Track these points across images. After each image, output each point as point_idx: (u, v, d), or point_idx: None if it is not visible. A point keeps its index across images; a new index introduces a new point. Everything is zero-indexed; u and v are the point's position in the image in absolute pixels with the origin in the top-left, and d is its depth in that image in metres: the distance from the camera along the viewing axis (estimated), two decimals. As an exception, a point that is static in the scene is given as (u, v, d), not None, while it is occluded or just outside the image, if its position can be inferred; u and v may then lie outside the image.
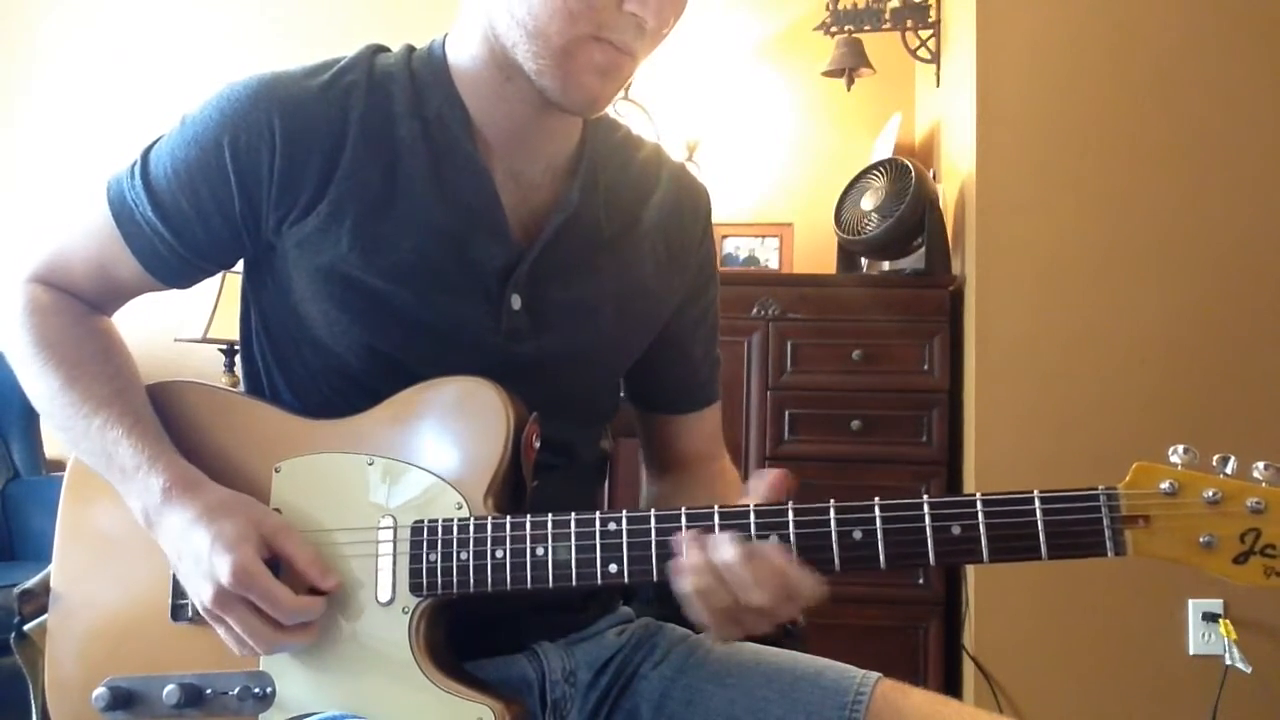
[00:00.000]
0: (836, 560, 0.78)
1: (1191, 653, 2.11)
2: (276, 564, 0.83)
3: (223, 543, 0.81)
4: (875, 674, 0.91)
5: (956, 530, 0.76)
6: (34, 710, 0.93)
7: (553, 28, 0.82)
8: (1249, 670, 2.03)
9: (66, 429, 0.91)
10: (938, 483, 2.28)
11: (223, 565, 0.80)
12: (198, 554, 0.82)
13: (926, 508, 0.76)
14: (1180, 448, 0.74)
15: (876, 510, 0.77)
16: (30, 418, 2.75)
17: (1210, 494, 0.72)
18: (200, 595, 0.82)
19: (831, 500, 0.78)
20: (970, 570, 2.23)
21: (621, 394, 1.10)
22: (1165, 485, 0.73)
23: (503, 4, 0.85)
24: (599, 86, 0.85)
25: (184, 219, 0.91)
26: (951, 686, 2.25)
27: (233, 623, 0.81)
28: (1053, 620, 2.14)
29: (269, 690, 0.85)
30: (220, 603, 0.81)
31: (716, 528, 0.79)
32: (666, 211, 1.01)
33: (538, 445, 0.88)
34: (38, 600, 0.95)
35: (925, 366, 2.32)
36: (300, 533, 0.85)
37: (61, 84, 3.31)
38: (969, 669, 2.19)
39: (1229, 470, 0.73)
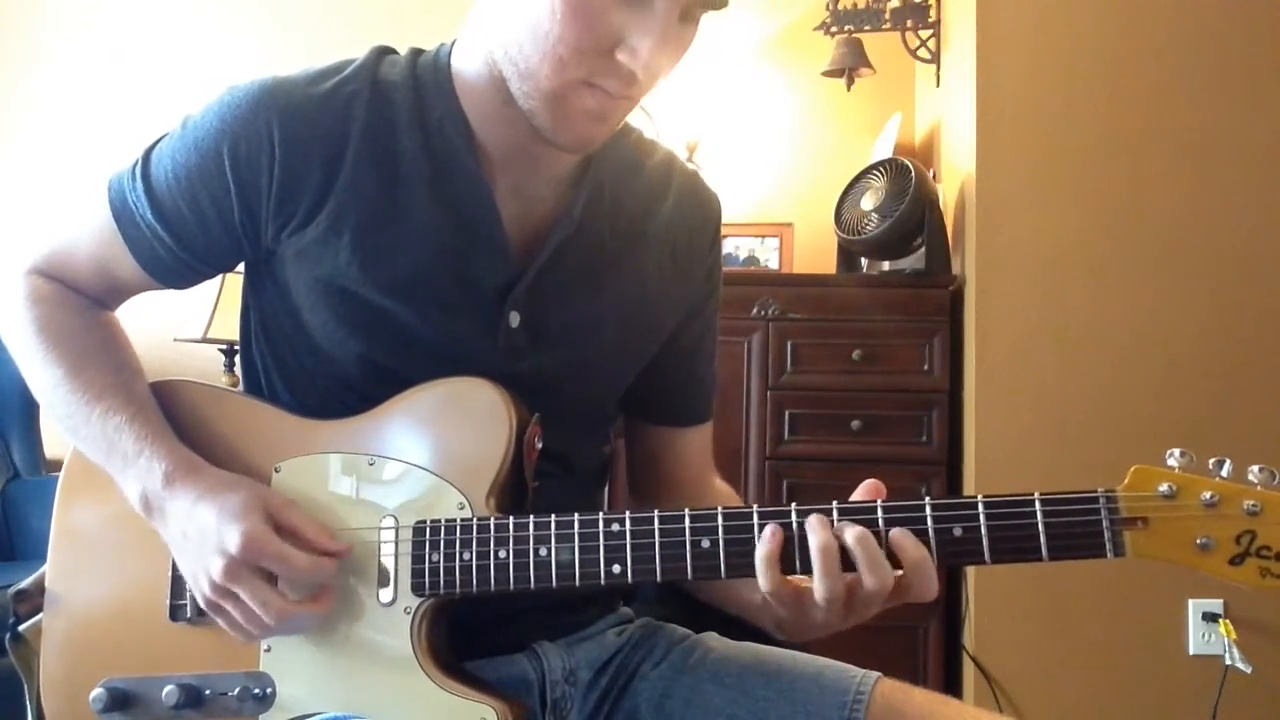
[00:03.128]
0: (840, 562, 0.78)
1: (1191, 653, 2.11)
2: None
3: (230, 512, 0.81)
4: (875, 674, 0.91)
5: (958, 531, 0.76)
6: (29, 712, 0.93)
7: (543, 72, 0.80)
8: (1249, 670, 2.02)
9: (67, 418, 0.91)
10: (938, 483, 2.28)
11: (232, 534, 0.80)
12: (204, 529, 0.82)
13: (929, 509, 0.77)
14: (1177, 451, 0.75)
15: (879, 512, 0.78)
16: (30, 418, 2.75)
17: (1207, 497, 0.74)
18: (209, 571, 0.81)
19: (834, 502, 0.79)
20: (970, 570, 2.23)
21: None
22: (1163, 488, 0.74)
23: (497, 37, 0.83)
24: (591, 129, 0.83)
25: (184, 223, 0.90)
26: (951, 686, 2.25)
27: (244, 595, 0.81)
28: (1053, 620, 2.14)
29: (269, 691, 0.85)
30: (230, 575, 0.80)
31: (720, 529, 0.79)
32: (675, 223, 1.00)
33: (540, 446, 0.88)
34: (32, 600, 0.94)
35: (925, 366, 2.32)
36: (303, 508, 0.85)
37: (63, 79, 3.30)
38: (969, 669, 2.19)
39: (1225, 473, 0.74)
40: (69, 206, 0.95)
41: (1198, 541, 0.74)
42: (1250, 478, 0.74)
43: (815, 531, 0.77)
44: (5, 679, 0.97)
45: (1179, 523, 0.74)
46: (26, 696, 0.93)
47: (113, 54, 3.28)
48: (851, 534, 0.77)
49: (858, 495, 0.81)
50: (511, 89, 0.84)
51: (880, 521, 0.78)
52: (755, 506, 0.80)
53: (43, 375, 0.92)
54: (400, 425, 0.88)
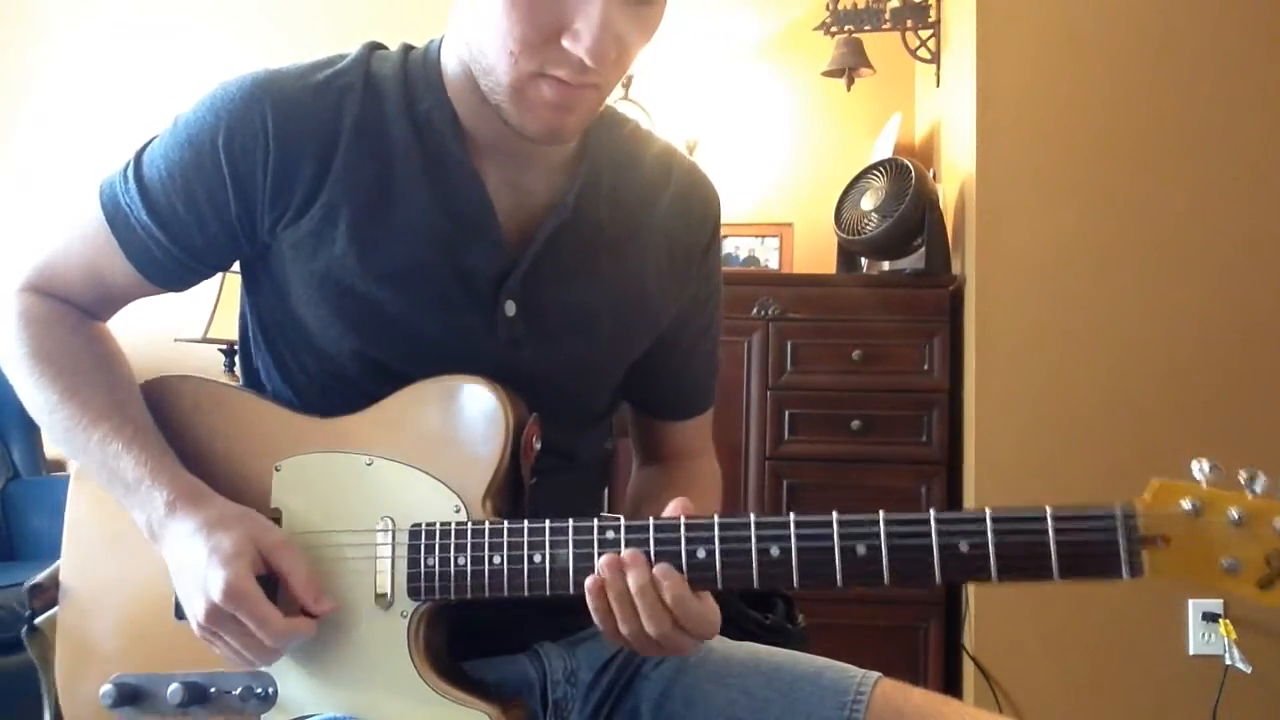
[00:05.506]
0: (839, 576, 0.75)
1: (1191, 653, 2.11)
2: (274, 580, 0.83)
3: (218, 557, 0.80)
4: (875, 674, 0.91)
5: (964, 548, 0.73)
6: (46, 704, 0.94)
7: (500, 67, 0.80)
8: (1249, 670, 2.03)
9: (67, 442, 0.91)
10: (938, 483, 2.28)
11: (215, 581, 0.79)
12: (195, 567, 0.81)
13: (933, 524, 0.73)
14: (1206, 463, 0.70)
15: (881, 525, 0.74)
16: (30, 418, 2.75)
17: (1234, 514, 0.68)
18: (193, 610, 0.82)
19: (834, 513, 0.76)
20: (970, 570, 2.22)
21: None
22: (1187, 505, 0.69)
23: (464, 36, 0.84)
24: (556, 120, 0.82)
25: (179, 222, 0.90)
26: (951, 686, 2.25)
27: (226, 638, 0.81)
28: (1053, 620, 2.14)
29: (271, 691, 0.85)
30: (212, 618, 0.81)
31: (716, 539, 0.77)
32: (674, 215, 0.99)
33: (538, 446, 0.88)
34: (48, 593, 0.95)
35: (925, 366, 2.32)
36: (299, 549, 0.84)
37: (59, 86, 3.30)
38: (969, 669, 2.19)
39: (1258, 489, 0.69)
40: (58, 216, 0.94)
41: (1223, 563, 0.68)
42: None
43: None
44: (22, 673, 0.98)
45: (1203, 542, 0.69)
46: (44, 688, 0.94)
47: (109, 62, 3.28)
48: (634, 583, 0.77)
49: (668, 513, 0.80)
50: (480, 85, 0.84)
51: (753, 541, 0.76)
52: (753, 516, 0.78)
53: (38, 398, 0.91)
54: (399, 425, 0.88)
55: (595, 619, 0.79)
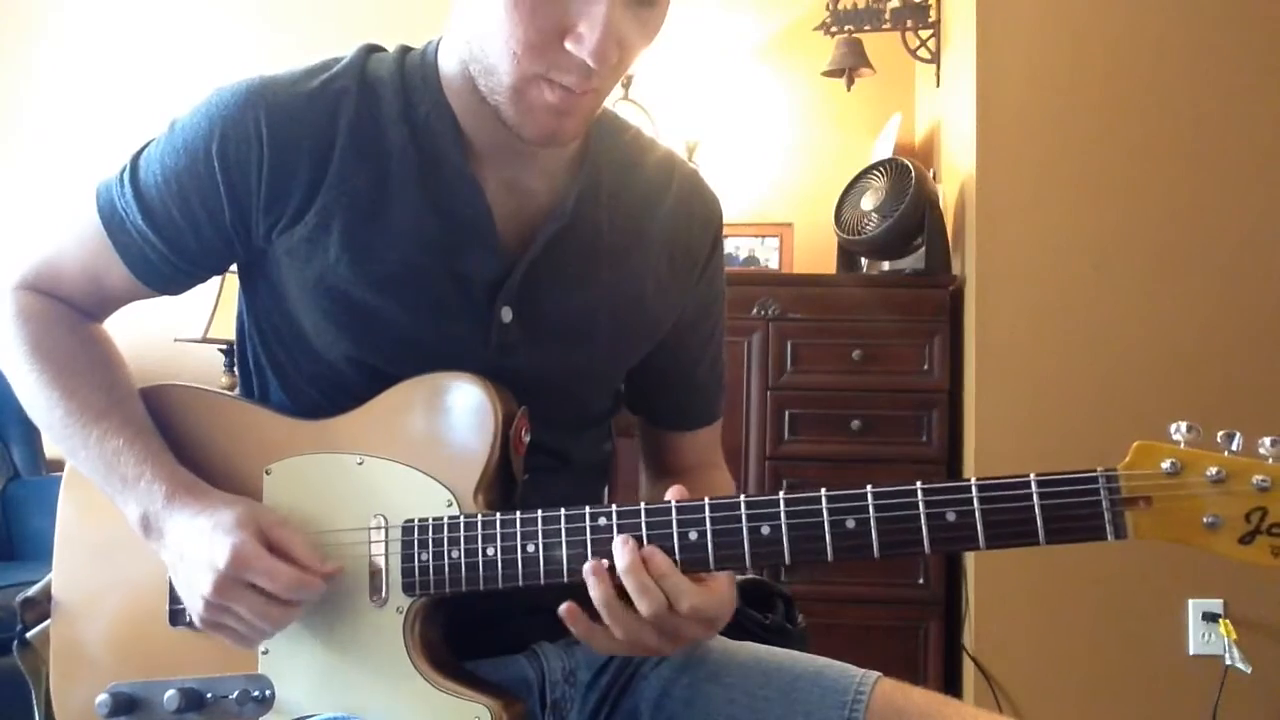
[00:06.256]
0: (829, 550, 0.76)
1: (1191, 653, 2.11)
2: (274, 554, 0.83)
3: (222, 530, 0.81)
4: (875, 673, 0.91)
5: (951, 516, 0.74)
6: (37, 715, 0.93)
7: (502, 68, 0.80)
8: (1249, 670, 2.02)
9: (64, 440, 0.91)
10: (938, 483, 2.27)
11: (222, 550, 0.80)
12: (198, 544, 0.82)
13: (920, 495, 0.75)
14: (1183, 425, 0.71)
15: (869, 498, 0.76)
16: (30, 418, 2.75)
17: (1214, 472, 0.69)
18: (200, 587, 0.82)
19: (823, 489, 0.77)
20: (970, 570, 2.23)
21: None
22: (1167, 464, 0.71)
23: (464, 35, 0.84)
24: (555, 124, 0.82)
25: (175, 227, 0.90)
26: (951, 686, 2.25)
27: (239, 610, 0.81)
28: (1053, 620, 2.14)
29: (268, 693, 0.85)
30: (220, 590, 0.81)
31: (707, 520, 0.78)
32: (674, 224, 0.99)
33: (528, 439, 0.88)
34: (40, 608, 0.95)
35: (925, 366, 2.32)
36: (297, 526, 0.85)
37: (63, 84, 3.30)
38: (969, 669, 2.19)
39: (1234, 447, 0.70)
40: (56, 217, 0.95)
41: (1204, 520, 0.70)
42: (1261, 451, 0.69)
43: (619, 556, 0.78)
44: (16, 682, 0.98)
45: (1184, 501, 0.70)
46: (35, 701, 0.94)
47: (109, 62, 3.27)
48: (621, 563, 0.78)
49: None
50: (480, 86, 0.84)
51: (744, 520, 0.77)
52: (743, 497, 0.79)
53: (37, 397, 0.91)
54: (388, 423, 0.88)
55: (577, 632, 0.80)
